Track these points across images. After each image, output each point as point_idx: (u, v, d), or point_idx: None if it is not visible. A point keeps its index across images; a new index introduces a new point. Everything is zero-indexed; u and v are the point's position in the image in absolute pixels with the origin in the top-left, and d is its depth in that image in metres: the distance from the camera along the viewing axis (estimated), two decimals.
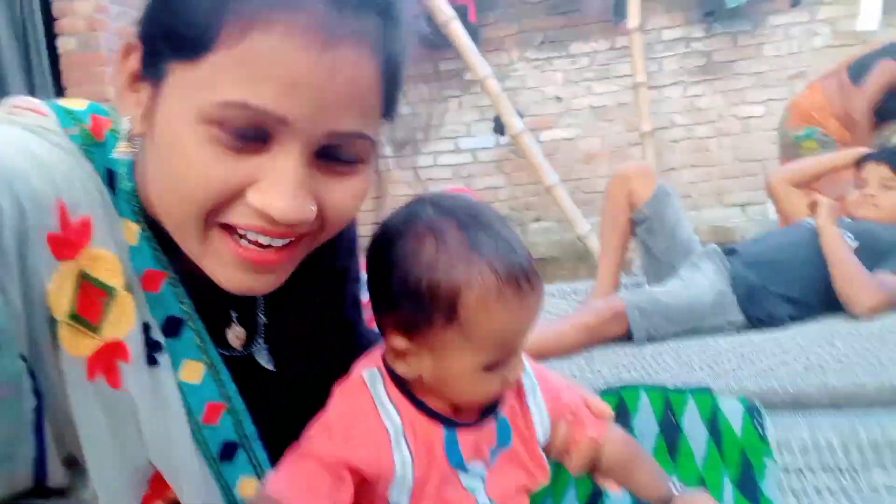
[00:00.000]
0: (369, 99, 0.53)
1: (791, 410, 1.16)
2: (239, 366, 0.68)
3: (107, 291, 0.56)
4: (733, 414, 1.03)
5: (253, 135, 0.51)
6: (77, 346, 0.54)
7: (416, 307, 0.64)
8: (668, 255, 2.08)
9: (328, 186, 0.55)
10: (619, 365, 1.53)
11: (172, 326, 0.61)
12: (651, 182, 2.11)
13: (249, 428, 0.67)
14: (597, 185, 4.25)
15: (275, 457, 0.67)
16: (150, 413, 0.58)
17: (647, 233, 2.11)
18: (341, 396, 0.69)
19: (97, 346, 0.55)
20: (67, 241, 0.53)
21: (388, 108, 0.58)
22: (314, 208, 0.54)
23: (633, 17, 3.84)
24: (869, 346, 1.51)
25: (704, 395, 1.07)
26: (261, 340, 0.72)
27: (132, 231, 0.59)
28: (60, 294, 0.53)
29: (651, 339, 1.77)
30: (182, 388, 0.62)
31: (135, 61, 0.55)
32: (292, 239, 0.56)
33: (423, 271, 0.63)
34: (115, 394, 0.56)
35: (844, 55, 3.99)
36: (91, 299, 0.55)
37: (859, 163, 2.19)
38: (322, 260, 0.70)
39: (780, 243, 2.03)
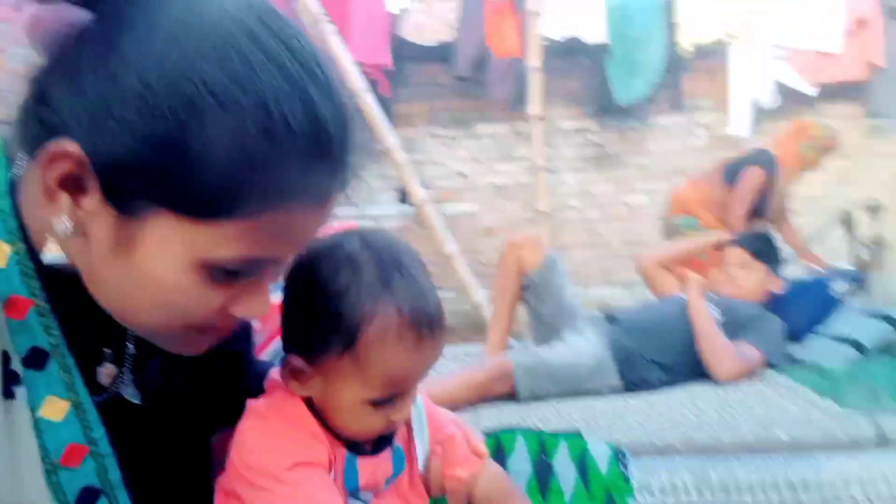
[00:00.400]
0: (328, 220, 0.59)
1: (653, 456, 1.25)
2: (111, 406, 0.65)
3: None
4: (601, 456, 1.10)
5: (245, 272, 0.55)
6: None
7: (319, 331, 0.66)
8: (554, 319, 2.19)
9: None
10: (503, 421, 1.58)
11: (37, 358, 0.57)
12: (540, 251, 2.24)
13: (114, 474, 0.62)
14: (494, 258, 4.38)
15: (142, 501, 0.64)
16: (2, 451, 0.55)
17: (534, 297, 2.23)
18: (272, 410, 0.69)
19: None
20: None
21: None
22: None
23: (535, 106, 4.14)
24: (728, 407, 1.65)
25: (575, 438, 1.14)
26: (127, 372, 0.67)
27: (2, 252, 0.55)
28: None
29: (535, 398, 1.85)
30: (40, 424, 0.57)
31: (70, 167, 0.50)
32: None
33: (332, 298, 0.65)
34: None
35: (719, 155, 4.46)
36: None
37: (724, 246, 2.44)
38: None
39: (654, 314, 2.19)
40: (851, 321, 2.15)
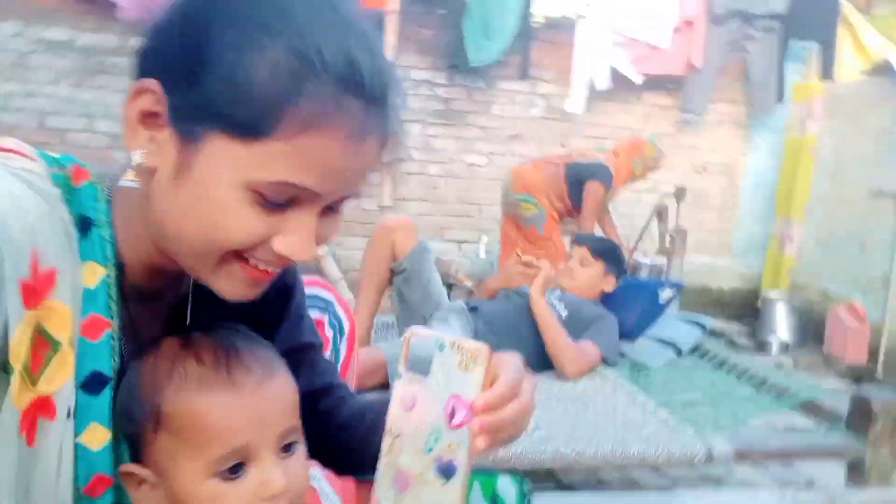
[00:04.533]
0: (373, 169, 0.64)
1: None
2: None
3: (52, 345, 0.57)
4: (509, 494, 1.20)
5: (286, 201, 0.59)
6: (20, 399, 0.56)
7: (127, 421, 0.61)
8: (421, 307, 2.27)
9: (320, 225, 0.63)
10: None
11: (95, 384, 0.61)
12: (413, 236, 2.28)
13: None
14: None
15: None
16: (48, 472, 0.58)
17: (404, 283, 2.27)
18: None
19: (30, 400, 0.56)
20: (35, 291, 0.56)
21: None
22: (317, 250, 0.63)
23: (388, 49, 4.04)
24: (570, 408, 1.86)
25: (486, 476, 1.23)
26: None
27: (95, 274, 0.61)
28: (21, 343, 0.55)
29: None
30: (77, 450, 0.60)
31: (149, 103, 0.58)
32: None
33: (133, 380, 0.62)
34: (28, 452, 0.57)
35: (553, 127, 4.75)
36: (38, 351, 0.56)
37: (572, 243, 2.66)
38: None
39: (509, 308, 2.35)
40: (671, 326, 2.49)
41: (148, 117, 0.59)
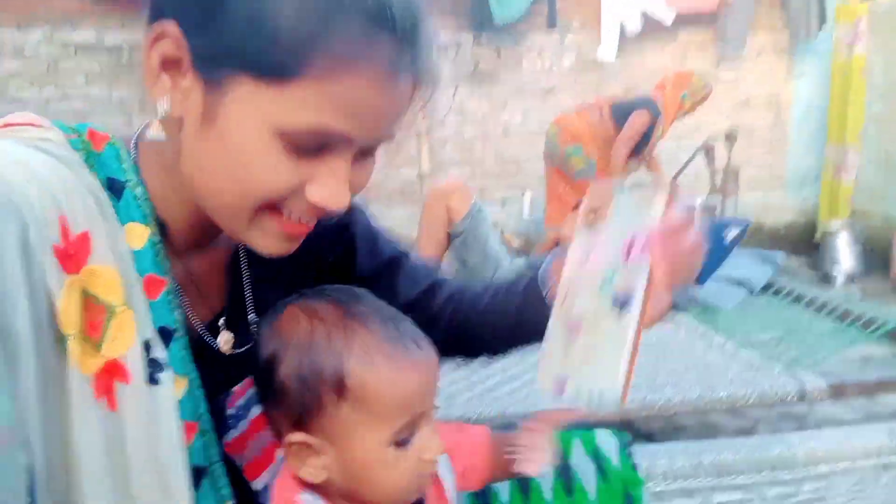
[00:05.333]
0: (405, 113, 0.61)
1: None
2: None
3: (106, 308, 0.56)
4: (611, 449, 1.17)
5: (317, 146, 0.57)
6: (86, 364, 0.55)
7: (303, 391, 0.61)
8: (482, 268, 2.24)
9: (354, 171, 0.61)
10: None
11: (164, 338, 0.61)
12: (467, 199, 2.24)
13: (214, 450, 0.65)
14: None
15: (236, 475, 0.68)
16: (142, 437, 0.58)
17: (462, 246, 2.24)
18: None
19: (100, 365, 0.55)
20: (70, 256, 0.54)
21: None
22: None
23: None
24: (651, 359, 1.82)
25: (586, 433, 1.20)
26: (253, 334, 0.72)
27: (140, 234, 0.61)
28: (70, 309, 0.53)
29: None
30: None
31: (169, 48, 0.56)
32: None
33: (303, 348, 0.61)
34: (111, 416, 0.56)
35: (587, 77, 4.61)
36: (93, 316, 0.56)
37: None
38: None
39: None
40: (741, 265, 2.41)
41: (169, 64, 0.56)
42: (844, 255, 4.09)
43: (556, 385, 0.64)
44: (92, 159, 0.60)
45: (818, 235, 4.31)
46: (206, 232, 0.67)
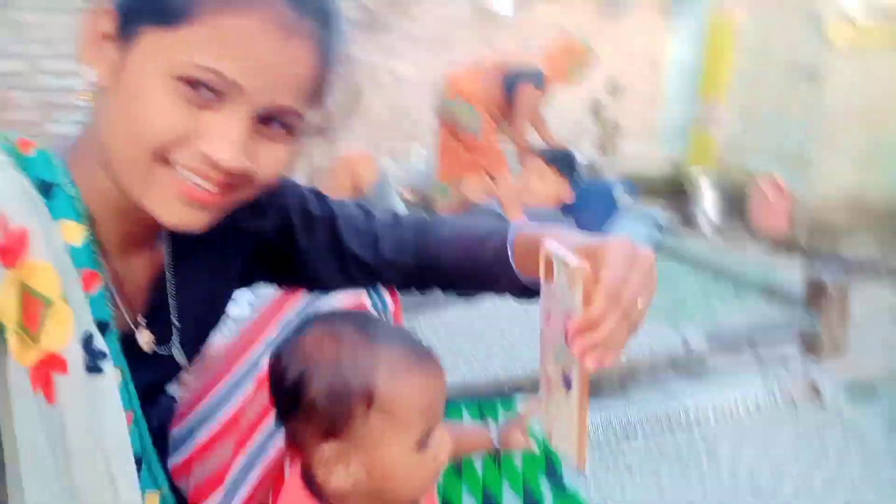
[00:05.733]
0: (307, 84, 0.63)
1: None
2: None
3: (44, 301, 0.58)
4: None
5: (210, 94, 0.58)
6: (23, 356, 0.56)
7: (334, 404, 0.67)
8: None
9: (260, 148, 0.63)
10: None
11: (100, 331, 0.63)
12: (374, 168, 2.24)
13: (147, 439, 0.69)
14: None
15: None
16: (84, 427, 0.59)
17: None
18: None
19: (37, 358, 0.57)
20: (8, 250, 0.56)
21: (316, 97, 0.66)
22: (248, 163, 0.61)
23: None
24: None
25: (508, 401, 1.30)
26: (175, 335, 0.76)
27: (75, 232, 0.62)
28: (8, 301, 0.55)
29: None
30: None
31: (105, 23, 0.60)
32: (222, 189, 0.63)
33: (332, 366, 0.67)
34: (49, 408, 0.58)
35: (482, 31, 4.62)
36: (31, 309, 0.57)
37: (523, 157, 2.68)
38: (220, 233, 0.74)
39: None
40: (626, 224, 2.59)
41: (103, 40, 0.61)
42: (709, 205, 4.47)
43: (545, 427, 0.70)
44: (23, 162, 0.61)
45: (687, 186, 4.66)
46: (134, 231, 0.69)
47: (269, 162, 0.64)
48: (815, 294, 1.88)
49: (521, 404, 1.25)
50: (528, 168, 2.61)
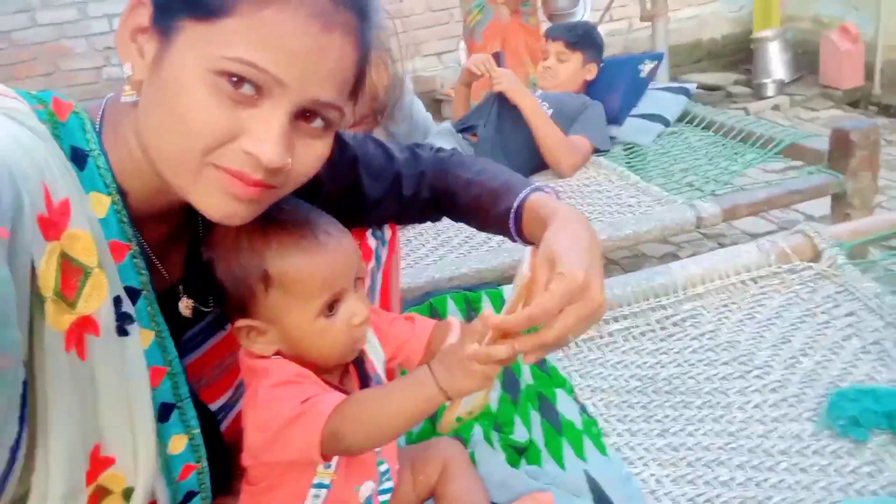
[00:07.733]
0: (346, 78, 0.64)
1: None
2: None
3: (83, 269, 0.61)
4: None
5: (251, 90, 0.59)
6: (58, 322, 0.59)
7: (237, 286, 0.75)
8: (410, 138, 2.30)
9: (300, 144, 0.64)
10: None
11: (130, 296, 0.67)
12: (386, 70, 2.24)
13: (184, 389, 0.74)
14: None
15: (202, 412, 0.79)
16: (112, 382, 0.64)
17: (388, 120, 2.28)
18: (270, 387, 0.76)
19: (72, 321, 0.60)
20: (52, 223, 0.58)
21: (355, 90, 0.68)
22: (290, 159, 0.63)
23: None
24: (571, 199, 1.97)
25: (494, 291, 1.37)
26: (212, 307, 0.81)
27: (102, 203, 0.64)
28: (48, 273, 0.57)
29: None
30: None
31: (142, 16, 0.61)
32: (264, 184, 0.64)
33: (230, 253, 0.75)
34: (81, 364, 0.61)
35: None
36: (69, 277, 0.60)
37: (545, 38, 2.59)
38: None
39: (494, 118, 2.36)
40: (655, 99, 2.49)
41: (141, 33, 0.62)
42: (775, 64, 4.16)
43: None
44: (58, 129, 0.63)
45: (752, 46, 4.35)
46: (166, 200, 0.70)
47: (307, 159, 0.65)
48: (840, 147, 1.78)
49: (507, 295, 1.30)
50: (550, 52, 2.54)
